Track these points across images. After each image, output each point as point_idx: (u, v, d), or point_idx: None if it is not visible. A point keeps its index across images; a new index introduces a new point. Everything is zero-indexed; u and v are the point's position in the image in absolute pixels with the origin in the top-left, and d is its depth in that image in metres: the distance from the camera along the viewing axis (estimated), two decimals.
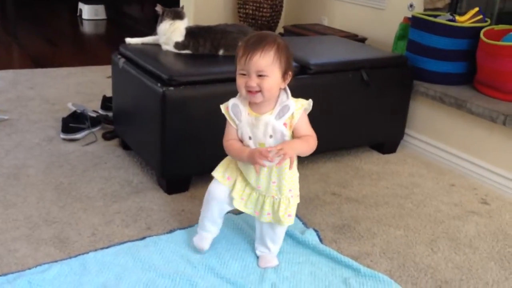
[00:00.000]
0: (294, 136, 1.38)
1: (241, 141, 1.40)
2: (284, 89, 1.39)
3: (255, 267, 1.52)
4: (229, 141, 1.41)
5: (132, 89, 2.04)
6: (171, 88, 1.79)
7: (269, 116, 1.35)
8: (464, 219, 1.86)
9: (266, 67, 1.30)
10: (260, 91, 1.31)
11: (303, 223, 1.76)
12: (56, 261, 1.47)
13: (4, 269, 1.43)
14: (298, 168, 2.15)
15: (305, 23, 3.52)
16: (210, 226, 1.52)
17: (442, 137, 2.36)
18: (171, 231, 1.66)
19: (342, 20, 3.36)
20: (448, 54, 2.33)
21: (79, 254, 1.51)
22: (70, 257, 1.49)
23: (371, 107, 2.26)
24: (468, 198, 2.02)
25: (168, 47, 2.09)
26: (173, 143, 1.85)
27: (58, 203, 1.78)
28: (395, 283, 1.46)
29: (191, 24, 2.15)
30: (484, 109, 2.10)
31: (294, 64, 2.04)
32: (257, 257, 1.55)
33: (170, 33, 2.07)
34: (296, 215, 1.80)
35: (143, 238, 1.61)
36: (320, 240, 1.67)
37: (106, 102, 2.60)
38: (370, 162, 2.30)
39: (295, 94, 2.03)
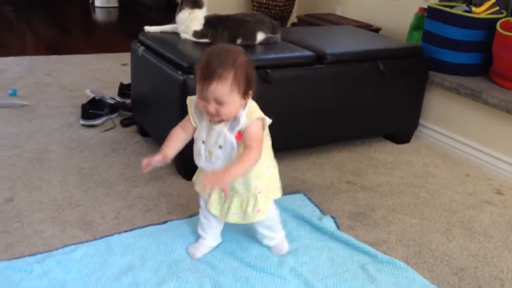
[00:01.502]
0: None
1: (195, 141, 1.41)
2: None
3: None
4: (177, 127, 1.43)
5: (152, 76, 2.07)
6: (191, 76, 1.82)
7: (222, 127, 1.33)
8: (478, 209, 1.89)
9: (224, 95, 1.25)
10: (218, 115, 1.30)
11: (320, 210, 1.80)
12: (82, 242, 1.51)
13: (32, 249, 1.48)
14: (313, 157, 2.21)
15: (319, 13, 3.53)
16: (210, 232, 1.52)
17: (457, 128, 2.38)
18: (191, 216, 1.70)
19: (355, 10, 3.37)
20: (464, 45, 2.34)
21: (104, 236, 1.55)
22: (96, 239, 1.53)
23: (386, 97, 2.28)
24: (483, 188, 2.05)
25: (187, 35, 2.11)
26: None
27: (81, 187, 1.83)
28: (411, 270, 1.49)
29: (209, 13, 2.18)
30: (500, 100, 2.12)
31: (310, 53, 2.08)
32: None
33: (189, 21, 2.09)
34: (313, 202, 1.84)
35: (165, 222, 1.65)
36: (337, 226, 1.70)
37: (123, 89, 2.63)
38: (384, 152, 2.33)
39: (311, 84, 2.07)
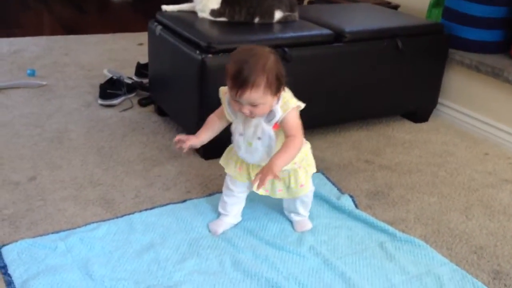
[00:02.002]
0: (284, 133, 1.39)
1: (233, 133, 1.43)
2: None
3: (292, 230, 1.57)
4: (213, 115, 1.46)
5: (169, 56, 2.07)
6: (210, 55, 1.81)
7: (260, 119, 1.36)
8: (498, 188, 1.88)
9: (258, 99, 1.28)
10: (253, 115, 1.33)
11: (338, 189, 1.80)
12: (104, 221, 1.54)
13: (55, 227, 1.51)
14: (331, 136, 2.20)
15: None
16: (234, 208, 1.54)
17: (476, 106, 2.35)
18: (210, 195, 1.72)
19: None
20: (485, 21, 2.29)
21: (125, 215, 1.58)
22: (117, 217, 1.56)
23: (405, 75, 2.26)
24: (502, 167, 2.03)
25: (204, 14, 2.10)
26: (210, 109, 1.87)
27: (101, 166, 1.85)
28: (430, 248, 1.50)
29: None
30: None
31: (328, 32, 2.06)
32: (291, 223, 1.59)
33: (206, 0, 2.08)
34: (331, 181, 1.84)
35: (184, 200, 1.67)
36: (356, 205, 1.71)
37: (140, 69, 2.64)
38: (402, 131, 2.31)
39: (329, 63, 2.05)
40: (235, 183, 1.51)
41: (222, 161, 1.54)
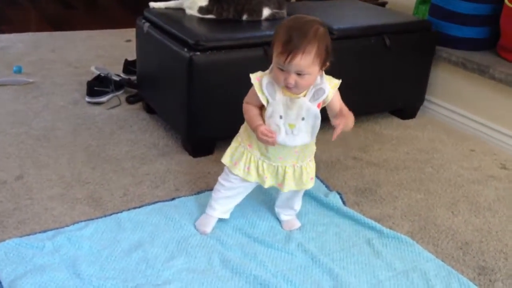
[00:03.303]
0: (328, 111, 1.41)
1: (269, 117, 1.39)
2: None
3: (281, 227, 1.57)
4: (249, 104, 1.41)
5: (157, 53, 2.06)
6: (198, 53, 1.81)
7: (304, 99, 1.34)
8: (483, 184, 1.90)
9: (307, 67, 1.27)
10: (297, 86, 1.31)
11: (326, 186, 1.81)
12: (92, 219, 1.53)
13: (43, 226, 1.50)
14: (319, 133, 2.18)
15: None
16: (226, 205, 1.53)
17: (463, 103, 2.37)
18: (198, 193, 1.72)
19: None
20: (472, 19, 2.31)
21: (113, 213, 1.57)
22: (105, 216, 1.56)
23: (392, 72, 2.27)
24: (488, 163, 2.06)
25: (192, 11, 2.10)
26: (199, 107, 1.89)
27: (89, 164, 1.84)
28: (417, 244, 1.51)
29: None
30: (507, 75, 2.11)
31: None
32: (279, 221, 1.60)
33: None
34: (319, 179, 1.85)
35: (173, 199, 1.67)
36: (343, 202, 1.72)
37: (128, 66, 2.63)
38: (389, 128, 2.33)
39: None
40: (246, 187, 1.50)
41: (227, 161, 1.48)
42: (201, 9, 2.07)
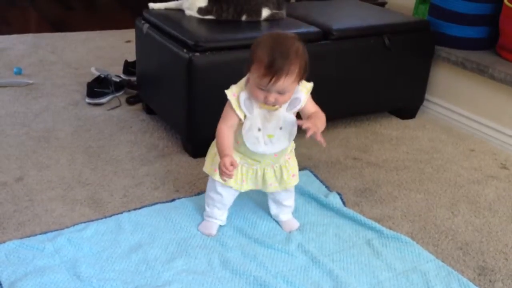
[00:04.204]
0: (301, 115, 1.42)
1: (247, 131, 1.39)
2: None
3: (281, 228, 1.57)
4: (225, 127, 1.38)
5: (157, 54, 2.06)
6: (197, 53, 1.81)
7: (282, 110, 1.37)
8: (483, 184, 1.90)
9: (288, 86, 1.29)
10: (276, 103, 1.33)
11: (326, 187, 1.81)
12: (92, 221, 1.54)
13: (43, 227, 1.50)
14: None
15: None
16: (221, 214, 1.54)
17: (462, 103, 2.37)
18: (198, 194, 1.72)
19: None
20: (471, 18, 2.31)
21: (113, 214, 1.57)
22: (105, 217, 1.56)
23: (392, 72, 2.27)
24: (488, 163, 2.06)
25: (192, 12, 2.09)
26: (199, 108, 1.89)
27: (89, 166, 1.85)
28: (417, 245, 1.52)
29: None
30: (506, 74, 2.11)
31: (315, 29, 2.07)
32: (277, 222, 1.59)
33: None
34: (319, 179, 1.85)
35: (173, 200, 1.68)
36: (343, 203, 1.72)
37: (128, 67, 2.63)
38: (389, 128, 2.33)
39: (317, 60, 2.05)
40: (228, 190, 1.50)
41: (207, 169, 1.49)
42: (201, 10, 2.07)
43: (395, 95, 2.34)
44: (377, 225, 1.58)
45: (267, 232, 1.55)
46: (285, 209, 1.58)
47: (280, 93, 1.30)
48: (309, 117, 1.40)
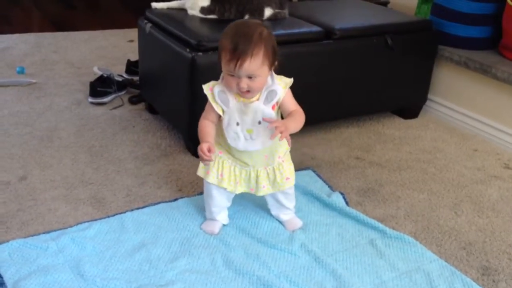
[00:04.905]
0: (281, 112, 1.42)
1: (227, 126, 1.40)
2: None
3: (284, 228, 1.57)
4: (205, 120, 1.42)
5: (160, 54, 2.06)
6: (200, 53, 1.81)
7: (258, 103, 1.36)
8: (487, 184, 1.90)
9: (256, 70, 1.30)
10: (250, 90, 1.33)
11: (329, 186, 1.81)
12: (95, 220, 1.54)
13: (46, 227, 1.51)
14: (321, 133, 2.22)
15: None
16: (221, 215, 1.54)
17: (465, 103, 2.37)
18: (201, 193, 1.71)
19: None
20: (474, 18, 2.31)
21: (117, 214, 1.57)
22: (108, 216, 1.56)
23: (394, 72, 2.27)
24: (491, 163, 2.05)
25: (194, 12, 2.10)
26: (201, 107, 1.88)
27: (92, 165, 1.85)
28: (420, 245, 1.51)
29: None
30: (509, 74, 2.10)
31: (318, 29, 2.07)
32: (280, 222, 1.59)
33: None
34: (322, 179, 1.85)
35: (176, 199, 1.68)
36: (346, 203, 1.72)
37: (130, 66, 2.63)
38: (392, 127, 2.33)
39: (319, 60, 2.06)
40: (222, 192, 1.50)
41: (200, 172, 1.49)
42: (203, 9, 2.07)
43: (397, 94, 2.34)
44: (380, 225, 1.58)
45: (270, 232, 1.55)
46: (285, 210, 1.58)
47: (250, 77, 1.30)
48: (288, 115, 1.40)
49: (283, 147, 1.48)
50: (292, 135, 2.12)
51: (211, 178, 1.47)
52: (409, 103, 2.42)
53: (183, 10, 2.14)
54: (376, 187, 1.84)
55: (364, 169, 1.95)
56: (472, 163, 2.05)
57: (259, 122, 1.37)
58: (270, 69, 1.34)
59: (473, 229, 1.63)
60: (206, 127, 1.42)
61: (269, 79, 1.37)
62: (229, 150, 1.45)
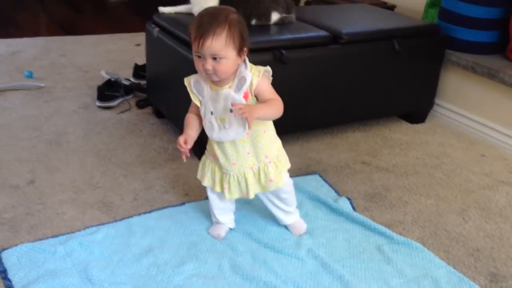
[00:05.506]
0: (259, 100, 1.39)
1: (204, 116, 1.41)
2: (244, 60, 1.37)
3: (290, 233, 1.57)
4: (189, 113, 1.45)
5: (167, 58, 2.07)
6: None
7: (228, 90, 1.36)
8: (494, 189, 1.89)
9: (220, 50, 1.28)
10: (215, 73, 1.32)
11: (335, 191, 1.81)
12: (102, 224, 1.54)
13: (54, 231, 1.51)
14: (328, 137, 2.21)
15: None
16: (224, 217, 1.55)
17: (473, 107, 2.36)
18: (208, 198, 1.72)
19: None
20: (481, 22, 2.31)
21: (124, 218, 1.58)
22: (116, 220, 1.57)
23: (401, 76, 2.27)
24: (499, 168, 2.05)
25: None
26: None
27: (99, 169, 1.86)
28: (427, 251, 1.51)
29: None
30: None
31: (325, 33, 2.07)
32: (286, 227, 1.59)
33: (204, 2, 2.08)
34: (328, 183, 1.85)
35: (183, 203, 1.68)
36: (353, 208, 1.72)
37: (138, 70, 2.64)
38: (399, 132, 2.32)
39: (326, 64, 2.06)
40: (217, 195, 1.51)
41: (198, 175, 1.51)
42: None
43: (404, 99, 2.34)
44: (388, 231, 1.58)
45: (277, 237, 1.55)
46: (284, 213, 1.56)
47: (215, 58, 1.29)
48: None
49: (272, 147, 1.44)
50: (298, 139, 2.14)
51: (206, 181, 1.49)
52: (416, 108, 2.42)
53: (190, 14, 2.15)
54: (383, 192, 1.83)
55: (370, 174, 1.95)
56: (479, 168, 2.04)
57: (231, 110, 1.36)
58: (238, 54, 1.32)
59: (481, 235, 1.62)
60: (188, 119, 1.44)
61: (242, 66, 1.36)
62: (219, 150, 1.43)
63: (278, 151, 1.47)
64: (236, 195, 1.48)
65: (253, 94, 1.37)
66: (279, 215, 1.57)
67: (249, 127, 1.31)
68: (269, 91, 1.38)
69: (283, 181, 1.46)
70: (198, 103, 1.41)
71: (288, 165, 1.50)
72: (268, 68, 1.39)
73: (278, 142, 1.48)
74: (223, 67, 1.31)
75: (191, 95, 1.42)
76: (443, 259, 1.49)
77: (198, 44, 1.28)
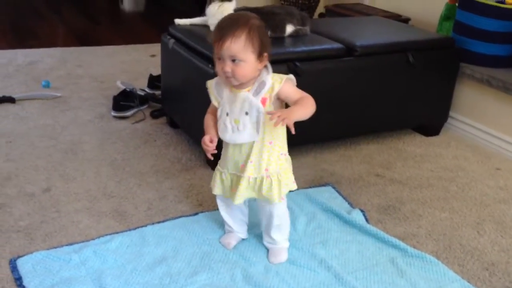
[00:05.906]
0: (289, 104, 1.39)
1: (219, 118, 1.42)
2: (265, 66, 1.37)
3: (303, 243, 1.57)
4: (207, 114, 1.47)
5: (182, 69, 2.10)
6: None
7: (246, 93, 1.36)
8: (510, 203, 1.87)
9: (238, 52, 1.29)
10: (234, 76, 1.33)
11: (349, 203, 1.81)
12: (117, 233, 1.56)
13: (69, 239, 1.53)
14: (341, 149, 2.21)
15: (346, 3, 3.50)
16: (237, 226, 1.55)
17: (488, 121, 2.35)
18: None
19: (384, 0, 3.33)
20: (497, 36, 2.30)
21: (138, 227, 1.59)
22: (130, 230, 1.58)
23: (416, 89, 2.26)
24: None
25: None
26: None
27: (114, 178, 1.87)
28: (442, 264, 1.50)
29: (238, 6, 2.19)
30: None
31: (339, 46, 2.08)
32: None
33: (219, 14, 2.09)
34: (342, 195, 1.85)
35: (196, 213, 1.69)
36: (367, 220, 1.71)
37: (153, 81, 2.67)
38: (413, 144, 2.31)
39: (341, 77, 2.07)
40: (225, 201, 1.51)
41: (212, 183, 1.50)
42: None
43: (419, 112, 2.33)
44: (401, 243, 1.57)
45: (290, 247, 1.54)
46: (269, 238, 1.51)
47: (234, 60, 1.30)
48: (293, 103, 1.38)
49: (273, 163, 1.40)
50: (311, 151, 2.14)
51: (217, 189, 1.48)
52: (431, 121, 2.41)
53: (205, 26, 2.17)
54: (397, 204, 1.83)
55: (384, 186, 1.94)
56: (494, 182, 2.02)
57: (246, 113, 1.37)
58: (258, 59, 1.32)
59: (496, 249, 1.61)
60: (207, 120, 1.46)
61: (263, 72, 1.37)
62: (231, 159, 1.43)
63: (279, 167, 1.41)
64: (245, 197, 1.44)
65: (272, 100, 1.36)
66: (265, 237, 1.53)
67: (292, 132, 1.31)
68: (295, 91, 1.39)
69: (274, 198, 1.40)
70: (216, 104, 1.43)
71: (291, 187, 1.45)
72: (292, 76, 1.40)
73: (284, 161, 1.43)
74: (242, 70, 1.32)
75: (210, 96, 1.44)
76: (458, 273, 1.48)
77: (218, 44, 1.31)
